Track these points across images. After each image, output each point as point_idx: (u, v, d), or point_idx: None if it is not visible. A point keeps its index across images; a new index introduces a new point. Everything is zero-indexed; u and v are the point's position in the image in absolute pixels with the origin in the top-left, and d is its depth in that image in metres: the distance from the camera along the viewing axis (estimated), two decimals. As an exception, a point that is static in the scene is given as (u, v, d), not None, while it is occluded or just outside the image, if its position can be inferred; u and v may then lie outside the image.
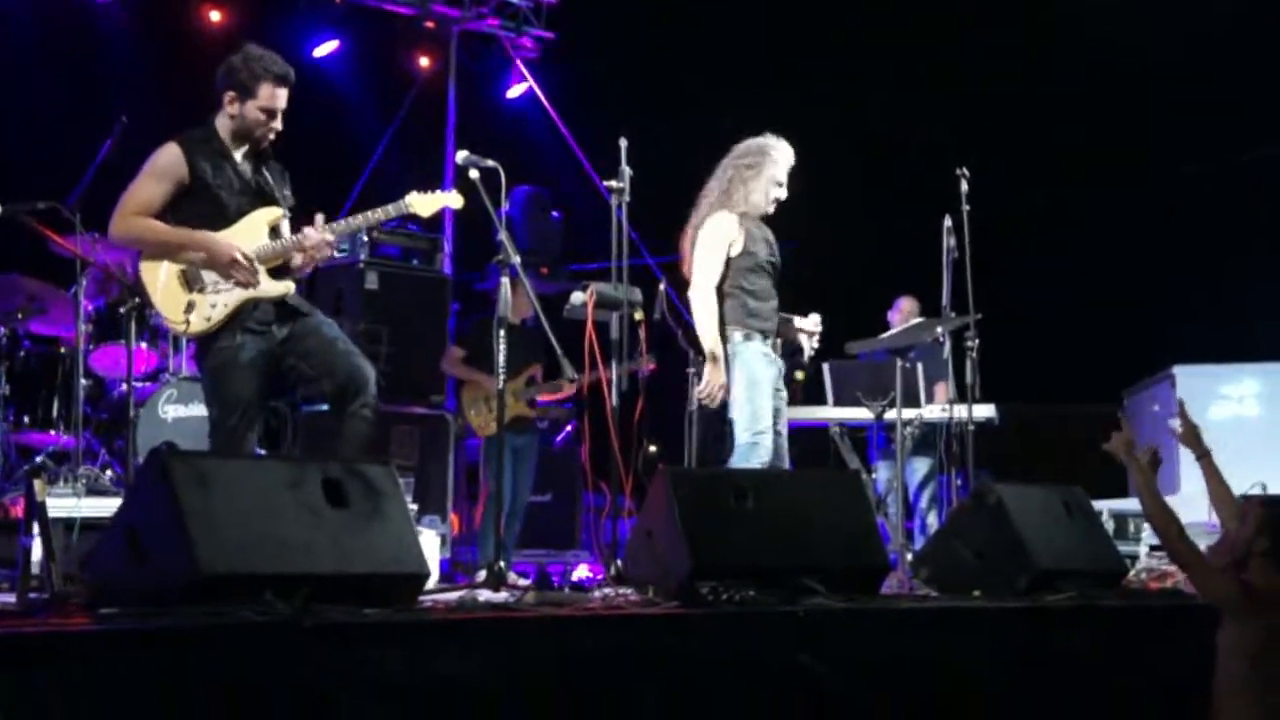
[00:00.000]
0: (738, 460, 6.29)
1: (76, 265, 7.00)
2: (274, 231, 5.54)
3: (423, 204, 5.79)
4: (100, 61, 8.64)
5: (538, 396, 8.41)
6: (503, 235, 5.85)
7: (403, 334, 8.91)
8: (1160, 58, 10.66)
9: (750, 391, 6.34)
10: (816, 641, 4.68)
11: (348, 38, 10.01)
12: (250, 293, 5.41)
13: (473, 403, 8.51)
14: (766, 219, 6.60)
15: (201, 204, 5.40)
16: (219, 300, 5.38)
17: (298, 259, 5.56)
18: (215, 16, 9.44)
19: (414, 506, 7.98)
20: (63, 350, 7.53)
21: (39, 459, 7.26)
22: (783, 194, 6.61)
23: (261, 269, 5.44)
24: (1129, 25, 10.68)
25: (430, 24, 10.50)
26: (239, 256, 5.36)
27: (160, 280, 5.36)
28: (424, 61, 10.64)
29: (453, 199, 5.92)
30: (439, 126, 10.59)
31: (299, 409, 8.65)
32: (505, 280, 5.91)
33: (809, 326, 6.73)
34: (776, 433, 6.43)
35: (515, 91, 10.71)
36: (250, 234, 5.47)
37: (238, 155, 5.52)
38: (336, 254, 9.11)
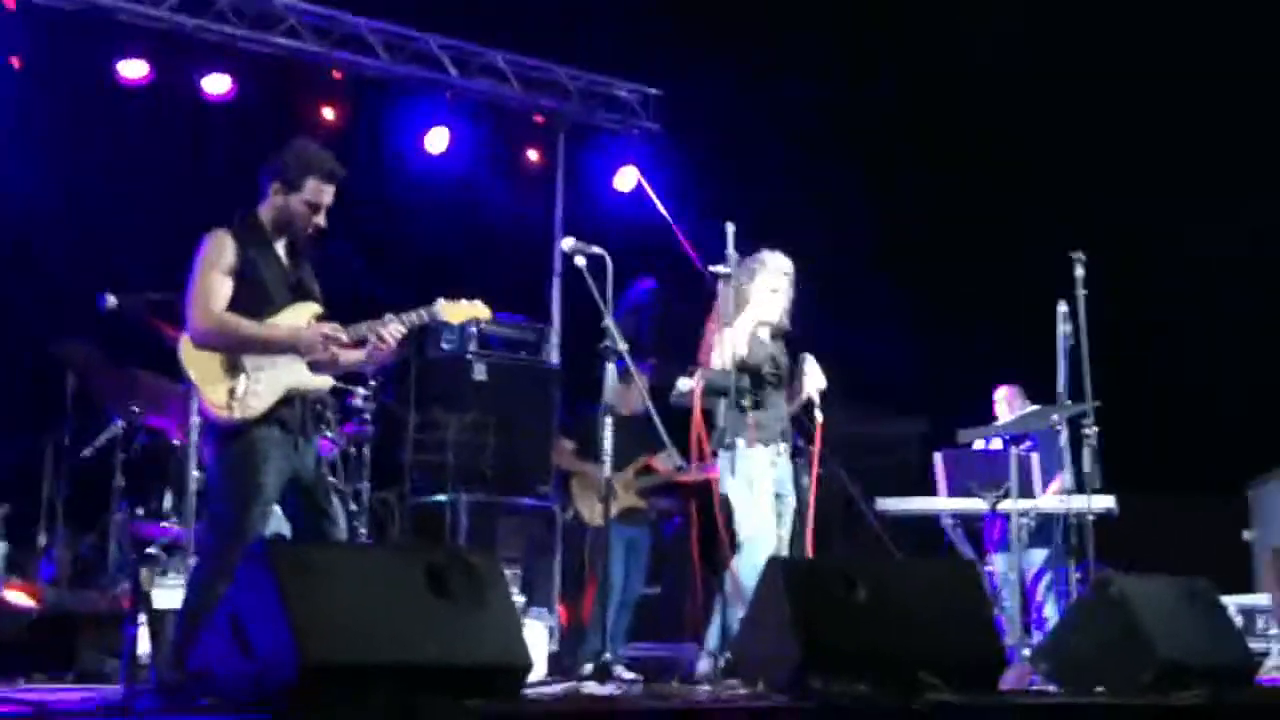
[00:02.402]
0: (744, 561, 6.22)
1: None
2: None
3: (452, 311, 5.67)
4: (216, 153, 8.85)
5: (651, 487, 8.37)
6: (608, 322, 5.83)
7: (510, 425, 8.91)
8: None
9: (748, 494, 6.35)
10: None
11: (458, 133, 10.13)
12: (294, 382, 5.29)
13: (583, 494, 8.48)
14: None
15: (247, 293, 5.27)
16: (262, 388, 5.22)
17: (348, 355, 5.46)
18: (330, 114, 9.64)
19: (521, 599, 7.99)
20: (176, 443, 7.60)
21: (150, 550, 7.32)
22: (781, 300, 6.61)
23: (299, 361, 5.32)
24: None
25: (539, 119, 10.60)
26: (327, 332, 5.29)
27: (203, 364, 5.21)
28: (533, 155, 10.74)
29: (481, 310, 5.76)
30: (548, 219, 10.66)
31: (406, 499, 8.69)
32: (611, 368, 5.87)
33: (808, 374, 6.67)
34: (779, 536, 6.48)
35: (624, 184, 10.73)
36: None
37: (279, 247, 5.42)
38: (444, 345, 9.23)
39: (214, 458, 5.26)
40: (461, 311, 5.70)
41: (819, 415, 6.55)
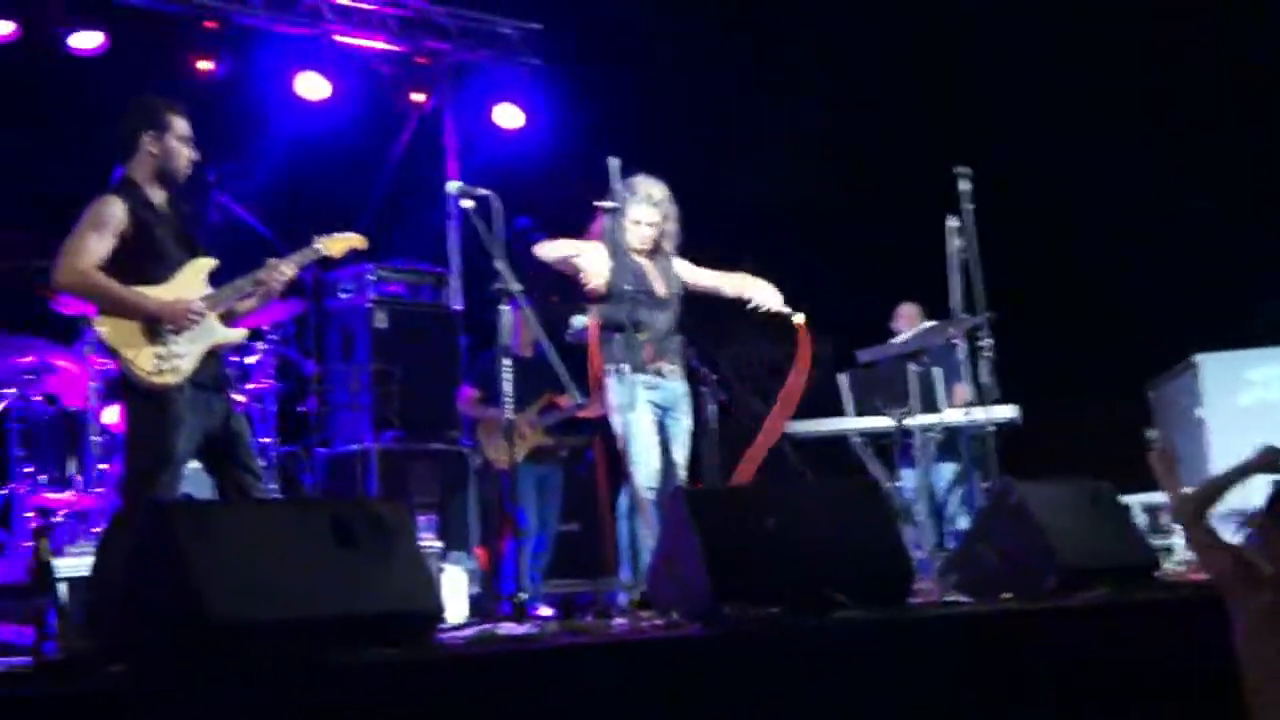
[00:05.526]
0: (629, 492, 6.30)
1: (81, 323, 6.97)
2: (212, 279, 5.48)
3: (330, 245, 5.77)
4: (93, 114, 8.64)
5: (553, 423, 8.37)
6: (500, 264, 5.81)
7: (415, 372, 8.88)
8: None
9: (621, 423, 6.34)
10: (845, 655, 4.61)
11: (339, 79, 9.94)
12: (214, 339, 5.36)
13: (489, 438, 8.48)
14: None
15: (142, 255, 5.28)
16: (185, 349, 5.26)
17: (247, 303, 5.55)
18: (205, 65, 9.42)
19: (438, 544, 7.98)
20: (73, 409, 7.50)
21: (55, 518, 7.23)
22: (646, 230, 6.55)
23: (213, 316, 5.38)
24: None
25: (421, 59, 10.46)
26: (194, 313, 5.29)
27: (124, 333, 5.20)
28: (417, 97, 10.60)
29: (357, 240, 5.89)
30: (438, 161, 10.55)
31: (313, 451, 8.63)
32: (505, 309, 5.86)
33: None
34: (669, 458, 6.45)
35: (509, 121, 10.63)
36: (192, 284, 5.39)
37: (159, 202, 5.44)
38: (341, 295, 9.16)
39: (125, 421, 5.29)
40: (339, 243, 5.80)
41: (799, 319, 6.52)
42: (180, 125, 5.45)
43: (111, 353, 5.23)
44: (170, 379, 5.20)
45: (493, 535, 8.87)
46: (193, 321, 5.28)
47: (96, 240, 5.21)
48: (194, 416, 5.25)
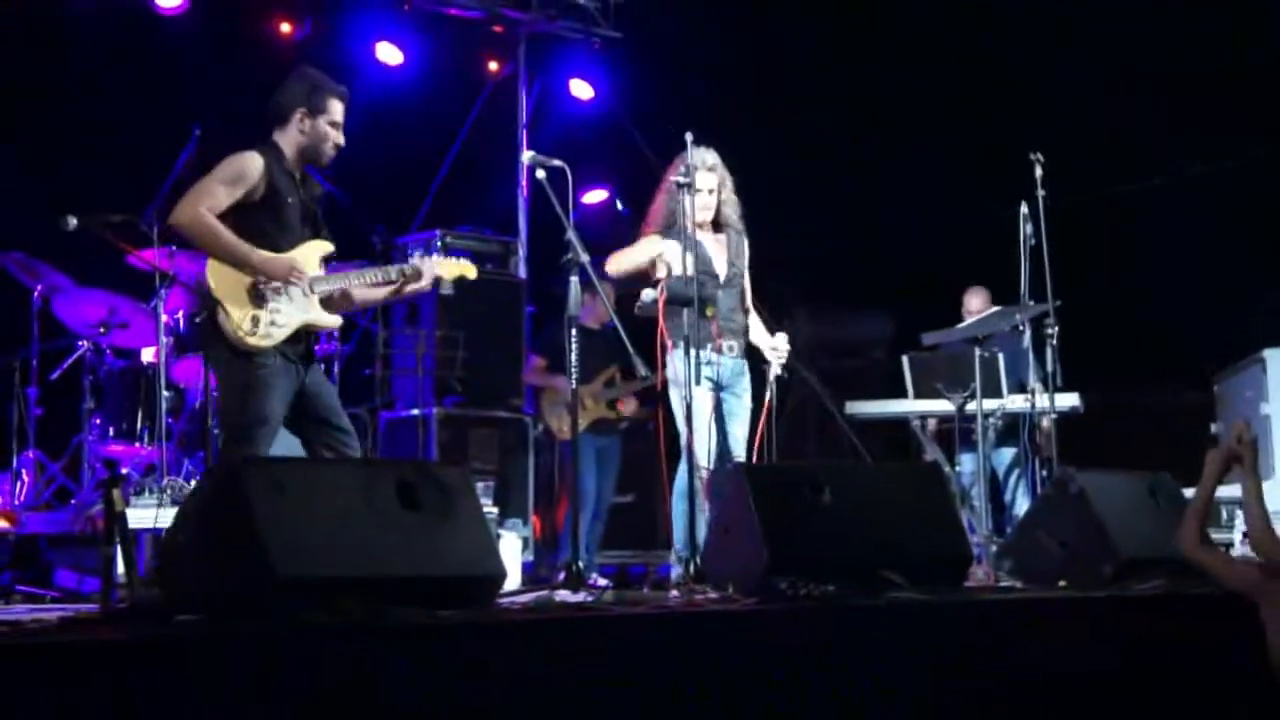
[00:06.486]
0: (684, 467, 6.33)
1: (155, 278, 7.08)
2: (325, 264, 5.57)
3: (448, 268, 5.92)
4: (174, 73, 8.73)
5: (619, 397, 8.42)
6: (571, 234, 5.84)
7: (479, 339, 8.94)
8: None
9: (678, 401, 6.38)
10: (898, 635, 4.63)
11: (416, 44, 10.02)
12: (309, 318, 5.44)
13: (552, 408, 8.54)
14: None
15: (268, 220, 5.37)
16: (284, 320, 5.35)
17: (370, 294, 5.69)
18: (286, 27, 9.52)
19: (495, 510, 8.05)
20: (145, 363, 7.62)
21: (124, 471, 7.35)
22: (706, 198, 6.57)
23: (314, 298, 5.46)
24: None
25: (498, 28, 10.50)
26: (297, 271, 5.37)
27: (230, 289, 5.29)
28: (493, 65, 10.65)
29: (470, 269, 6.04)
30: (510, 130, 10.60)
31: (378, 414, 8.73)
32: (574, 280, 5.90)
33: (774, 345, 6.68)
34: (724, 434, 6.51)
35: (584, 92, 10.69)
36: (307, 262, 5.46)
37: (297, 175, 5.52)
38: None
39: (217, 379, 5.42)
40: (454, 269, 5.96)
41: (771, 379, 6.53)
42: (336, 110, 5.50)
43: (213, 303, 5.28)
44: (263, 342, 5.30)
45: (550, 503, 8.94)
46: (293, 281, 5.35)
47: (223, 191, 5.29)
48: (284, 383, 5.36)
